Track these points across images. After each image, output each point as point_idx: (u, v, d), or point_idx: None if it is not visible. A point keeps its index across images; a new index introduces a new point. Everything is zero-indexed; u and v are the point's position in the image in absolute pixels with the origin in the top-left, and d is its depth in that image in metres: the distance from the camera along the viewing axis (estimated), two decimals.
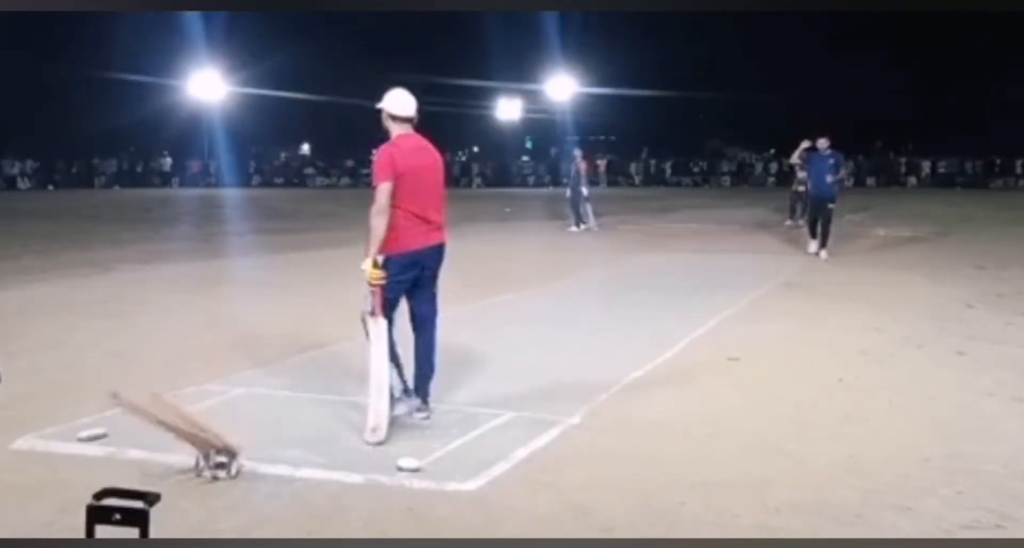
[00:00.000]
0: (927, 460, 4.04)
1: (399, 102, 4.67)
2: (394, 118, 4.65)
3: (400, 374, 4.67)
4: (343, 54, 42.49)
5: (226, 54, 41.77)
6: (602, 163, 43.31)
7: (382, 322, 4.42)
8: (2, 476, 3.82)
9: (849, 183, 42.74)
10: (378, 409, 4.28)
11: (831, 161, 12.48)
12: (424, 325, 4.72)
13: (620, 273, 10.95)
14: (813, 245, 12.69)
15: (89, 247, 13.94)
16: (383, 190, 4.46)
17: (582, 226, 17.69)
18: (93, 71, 37.56)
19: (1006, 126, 37.21)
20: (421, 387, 4.68)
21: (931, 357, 6.21)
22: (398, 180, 4.47)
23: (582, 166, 18.07)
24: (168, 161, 44.97)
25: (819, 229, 12.53)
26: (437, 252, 4.67)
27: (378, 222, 4.41)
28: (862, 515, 3.42)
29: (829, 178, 12.40)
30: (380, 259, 4.41)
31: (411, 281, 4.60)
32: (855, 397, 5.12)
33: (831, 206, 12.50)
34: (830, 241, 12.47)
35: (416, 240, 4.55)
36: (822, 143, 12.59)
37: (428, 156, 4.71)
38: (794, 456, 4.08)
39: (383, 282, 4.41)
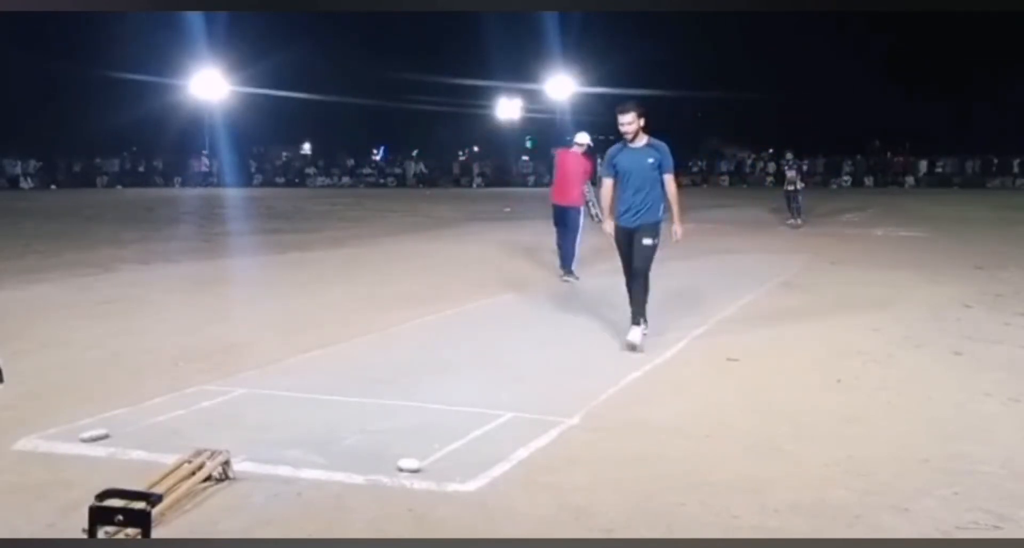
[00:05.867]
0: (925, 460, 4.04)
1: (578, 136, 10.37)
2: (574, 142, 10.29)
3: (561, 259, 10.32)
4: (343, 54, 42.55)
5: (227, 54, 41.86)
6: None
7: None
8: (4, 477, 3.83)
9: (846, 183, 42.60)
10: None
11: (649, 160, 6.42)
12: (567, 232, 10.14)
13: (618, 273, 10.94)
14: (636, 332, 6.40)
15: (91, 247, 13.97)
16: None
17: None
18: (95, 71, 37.66)
19: (1003, 126, 37.23)
20: (565, 264, 10.15)
21: (929, 357, 6.22)
22: (558, 171, 10.28)
23: None
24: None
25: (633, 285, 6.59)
26: (563, 206, 10.09)
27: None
28: (860, 516, 3.43)
29: (659, 177, 6.46)
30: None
31: (558, 216, 10.14)
32: (854, 397, 5.13)
33: (647, 243, 6.46)
34: (648, 309, 6.60)
35: (553, 199, 10.29)
36: (626, 121, 6.31)
37: (572, 161, 10.13)
38: (793, 456, 4.09)
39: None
